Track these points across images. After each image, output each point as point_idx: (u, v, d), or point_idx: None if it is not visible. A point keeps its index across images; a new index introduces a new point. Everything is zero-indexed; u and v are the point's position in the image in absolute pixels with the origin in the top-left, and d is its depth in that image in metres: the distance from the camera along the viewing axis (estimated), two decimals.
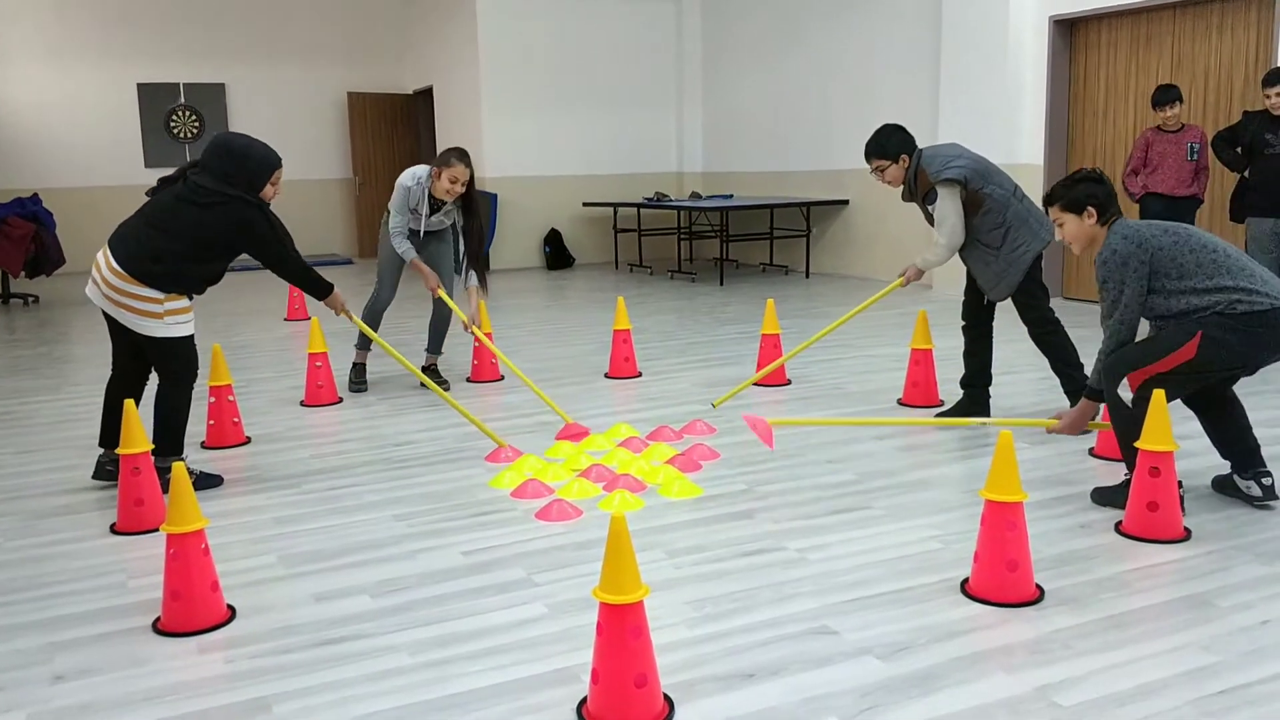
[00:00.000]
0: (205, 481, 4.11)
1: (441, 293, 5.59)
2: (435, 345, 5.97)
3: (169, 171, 4.24)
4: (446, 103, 13.07)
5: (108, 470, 4.17)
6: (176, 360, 4.04)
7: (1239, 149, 6.32)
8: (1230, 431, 3.71)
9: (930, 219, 4.66)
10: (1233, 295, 3.39)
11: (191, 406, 4.13)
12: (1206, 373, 3.49)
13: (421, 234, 5.66)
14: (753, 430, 3.93)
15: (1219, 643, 2.67)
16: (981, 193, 4.53)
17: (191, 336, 4.06)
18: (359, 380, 5.83)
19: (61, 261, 10.09)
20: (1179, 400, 3.64)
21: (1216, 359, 3.43)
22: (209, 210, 3.92)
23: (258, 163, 3.98)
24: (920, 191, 4.64)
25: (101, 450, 4.24)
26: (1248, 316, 3.38)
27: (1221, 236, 5.94)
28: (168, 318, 3.95)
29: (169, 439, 4.06)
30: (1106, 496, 3.72)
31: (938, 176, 4.52)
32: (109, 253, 3.94)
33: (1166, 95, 6.72)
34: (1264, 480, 3.65)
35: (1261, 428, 3.91)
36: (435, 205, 5.57)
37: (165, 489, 3.71)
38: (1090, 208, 3.65)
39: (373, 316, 5.79)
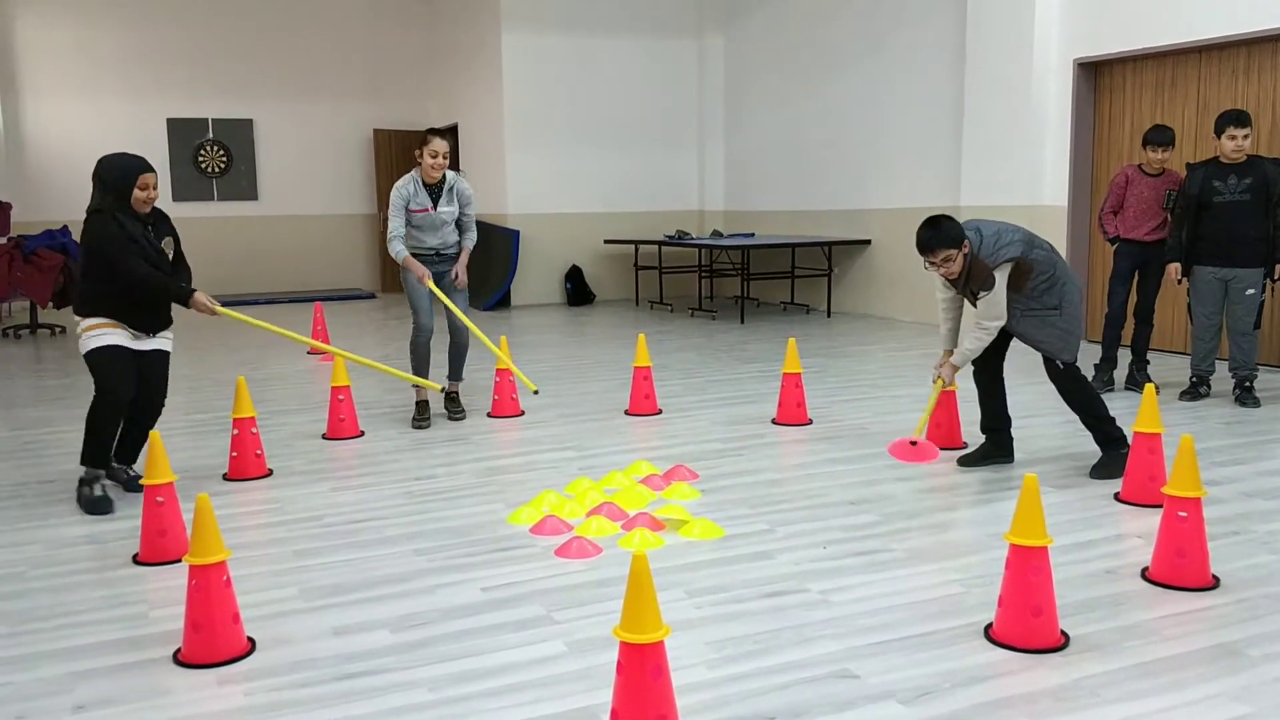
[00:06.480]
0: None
1: (430, 283, 5.66)
2: (455, 372, 6.01)
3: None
4: (470, 140, 13.21)
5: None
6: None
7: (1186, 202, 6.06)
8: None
9: (973, 301, 4.50)
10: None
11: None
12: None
13: (438, 255, 5.77)
14: (908, 459, 4.71)
15: (1250, 693, 2.62)
16: (1029, 259, 4.40)
17: (93, 350, 4.34)
18: (422, 417, 5.80)
19: None
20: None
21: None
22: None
23: (116, 171, 4.24)
24: (978, 279, 4.42)
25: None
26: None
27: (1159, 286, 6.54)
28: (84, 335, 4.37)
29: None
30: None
31: (996, 259, 4.35)
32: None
33: (1163, 137, 6.32)
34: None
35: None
36: (434, 195, 5.70)
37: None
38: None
39: (419, 350, 5.83)
